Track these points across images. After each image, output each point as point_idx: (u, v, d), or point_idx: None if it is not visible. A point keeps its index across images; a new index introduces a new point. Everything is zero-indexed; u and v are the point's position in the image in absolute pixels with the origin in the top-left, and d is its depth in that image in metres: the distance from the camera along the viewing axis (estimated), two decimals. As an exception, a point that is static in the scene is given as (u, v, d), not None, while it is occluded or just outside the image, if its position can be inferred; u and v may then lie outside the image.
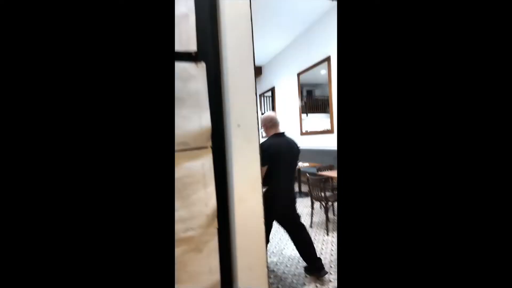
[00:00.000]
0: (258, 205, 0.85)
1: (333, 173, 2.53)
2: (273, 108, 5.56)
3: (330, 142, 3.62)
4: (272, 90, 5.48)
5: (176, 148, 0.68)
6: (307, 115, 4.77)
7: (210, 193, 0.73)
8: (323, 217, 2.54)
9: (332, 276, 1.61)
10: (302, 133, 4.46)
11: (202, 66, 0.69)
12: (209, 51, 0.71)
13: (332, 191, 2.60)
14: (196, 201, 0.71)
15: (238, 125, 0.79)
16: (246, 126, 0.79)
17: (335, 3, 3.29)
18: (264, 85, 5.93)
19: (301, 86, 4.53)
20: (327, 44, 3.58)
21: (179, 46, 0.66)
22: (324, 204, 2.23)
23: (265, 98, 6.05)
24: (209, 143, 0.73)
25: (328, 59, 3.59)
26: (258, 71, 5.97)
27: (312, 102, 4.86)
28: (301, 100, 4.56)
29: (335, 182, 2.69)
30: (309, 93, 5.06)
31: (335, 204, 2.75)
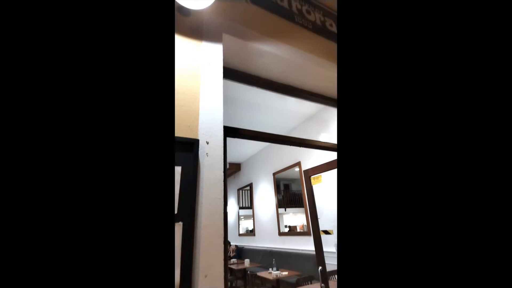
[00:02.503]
0: None
1: (313, 288, 2.35)
2: (251, 202, 5.62)
3: (309, 246, 3.54)
4: (250, 185, 5.74)
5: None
6: (285, 210, 4.84)
7: None
8: None
9: None
10: (280, 234, 4.36)
11: (179, 225, 0.83)
12: (187, 211, 0.88)
13: (314, 312, 2.33)
14: None
15: (205, 276, 0.85)
16: (212, 276, 0.86)
17: (302, 120, 4.14)
18: (242, 180, 6.23)
19: (278, 181, 4.83)
20: (297, 152, 4.19)
21: (162, 210, 0.83)
22: (305, 335, 1.95)
23: (243, 191, 6.22)
24: (176, 299, 0.77)
25: (299, 164, 4.10)
26: (237, 167, 6.43)
27: (289, 196, 5.07)
28: (279, 194, 4.74)
29: (315, 301, 2.44)
30: (286, 187, 5.34)
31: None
